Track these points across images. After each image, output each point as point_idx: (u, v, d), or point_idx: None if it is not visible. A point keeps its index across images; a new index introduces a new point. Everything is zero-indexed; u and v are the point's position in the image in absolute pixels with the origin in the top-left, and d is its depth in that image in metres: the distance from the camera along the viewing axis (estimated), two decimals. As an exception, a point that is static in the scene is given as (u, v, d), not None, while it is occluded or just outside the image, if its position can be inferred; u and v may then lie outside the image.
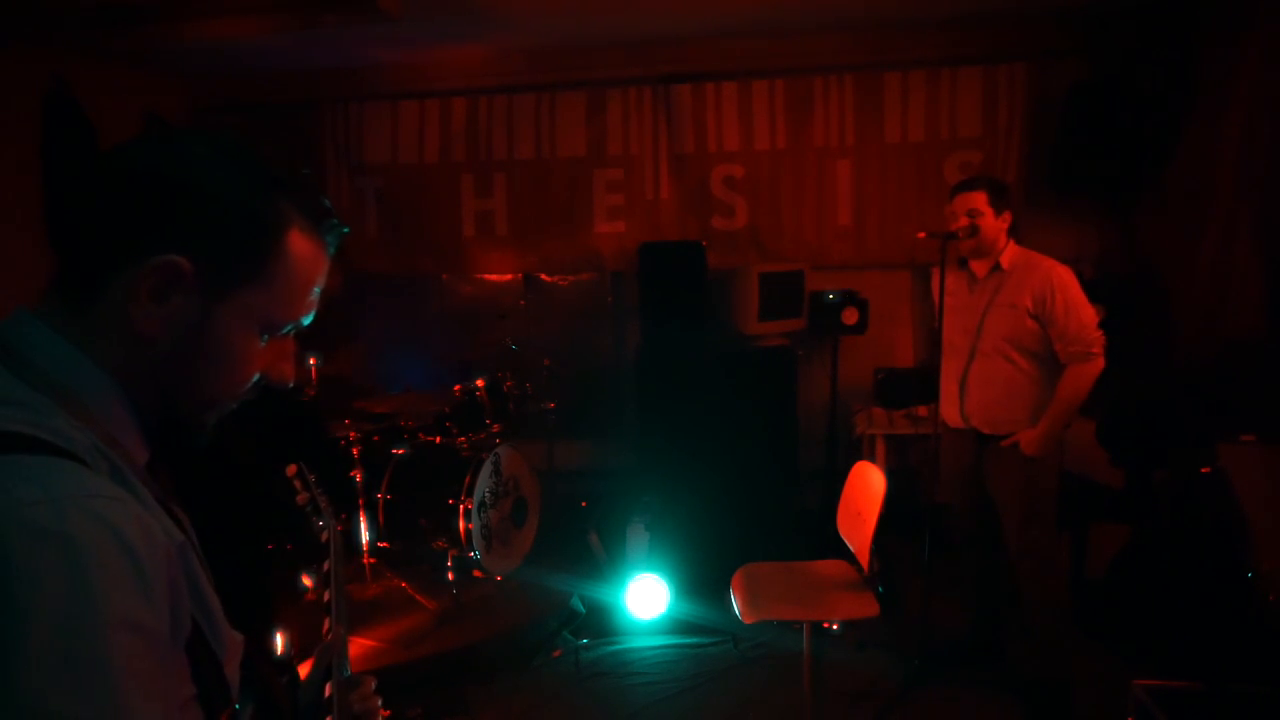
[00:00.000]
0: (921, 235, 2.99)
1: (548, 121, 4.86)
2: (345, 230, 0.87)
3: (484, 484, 3.72)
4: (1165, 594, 3.10)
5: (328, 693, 1.10)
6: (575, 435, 4.82)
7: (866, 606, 2.60)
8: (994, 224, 2.89)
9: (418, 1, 3.69)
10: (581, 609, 3.69)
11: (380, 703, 1.14)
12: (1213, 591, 2.91)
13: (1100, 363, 2.80)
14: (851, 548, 2.85)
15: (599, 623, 3.62)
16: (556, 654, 3.44)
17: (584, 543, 4.10)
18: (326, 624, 1.32)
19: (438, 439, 3.99)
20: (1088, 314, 2.81)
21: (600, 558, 4.03)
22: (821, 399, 4.54)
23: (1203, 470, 3.03)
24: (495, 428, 4.00)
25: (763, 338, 4.42)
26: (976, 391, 2.96)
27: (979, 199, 2.88)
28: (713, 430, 4.17)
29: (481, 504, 3.68)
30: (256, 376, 0.84)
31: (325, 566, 1.46)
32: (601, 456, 5.02)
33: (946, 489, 3.18)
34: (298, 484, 1.71)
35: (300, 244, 0.80)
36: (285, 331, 0.84)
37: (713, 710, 3.05)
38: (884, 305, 4.60)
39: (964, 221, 2.89)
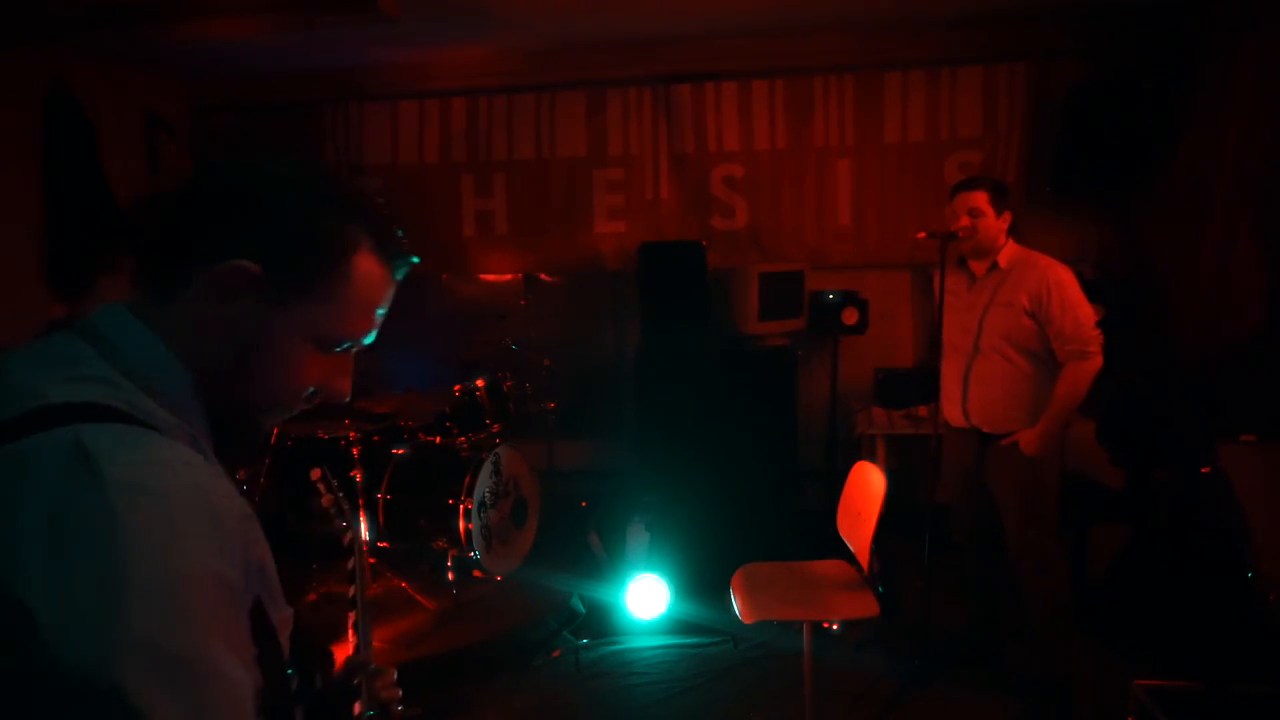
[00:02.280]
0: (921, 235, 2.99)
1: (548, 121, 4.87)
2: (415, 260, 0.93)
3: (484, 484, 3.72)
4: (1165, 594, 3.10)
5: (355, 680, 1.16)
6: (575, 435, 4.82)
7: (866, 606, 2.60)
8: (994, 224, 2.89)
9: (418, 1, 3.69)
10: (581, 609, 3.69)
11: (400, 694, 1.21)
12: (1213, 591, 2.91)
13: (1098, 361, 2.79)
14: (851, 548, 2.85)
15: (599, 623, 3.62)
16: (556, 654, 3.44)
17: (584, 543, 4.09)
18: (352, 618, 1.35)
19: (438, 439, 3.98)
20: (1085, 313, 2.80)
21: (600, 558, 4.02)
22: (821, 399, 4.54)
23: (1203, 470, 3.03)
24: (495, 428, 3.99)
25: (763, 338, 4.42)
26: (977, 390, 2.96)
27: (980, 199, 2.88)
28: (713, 430, 4.17)
29: (481, 504, 3.68)
30: (311, 389, 0.90)
31: (350, 565, 1.53)
32: (601, 456, 5.02)
33: (947, 488, 3.17)
34: (322, 487, 1.77)
35: (366, 266, 0.87)
36: (344, 348, 0.90)
37: (713, 710, 3.05)
38: (884, 305, 4.60)
39: (965, 221, 2.89)
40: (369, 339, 0.91)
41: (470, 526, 3.61)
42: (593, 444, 5.02)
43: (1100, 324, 2.85)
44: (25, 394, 0.72)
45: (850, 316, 4.33)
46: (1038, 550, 2.91)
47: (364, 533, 1.65)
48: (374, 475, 3.80)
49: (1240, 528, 2.78)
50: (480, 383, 3.99)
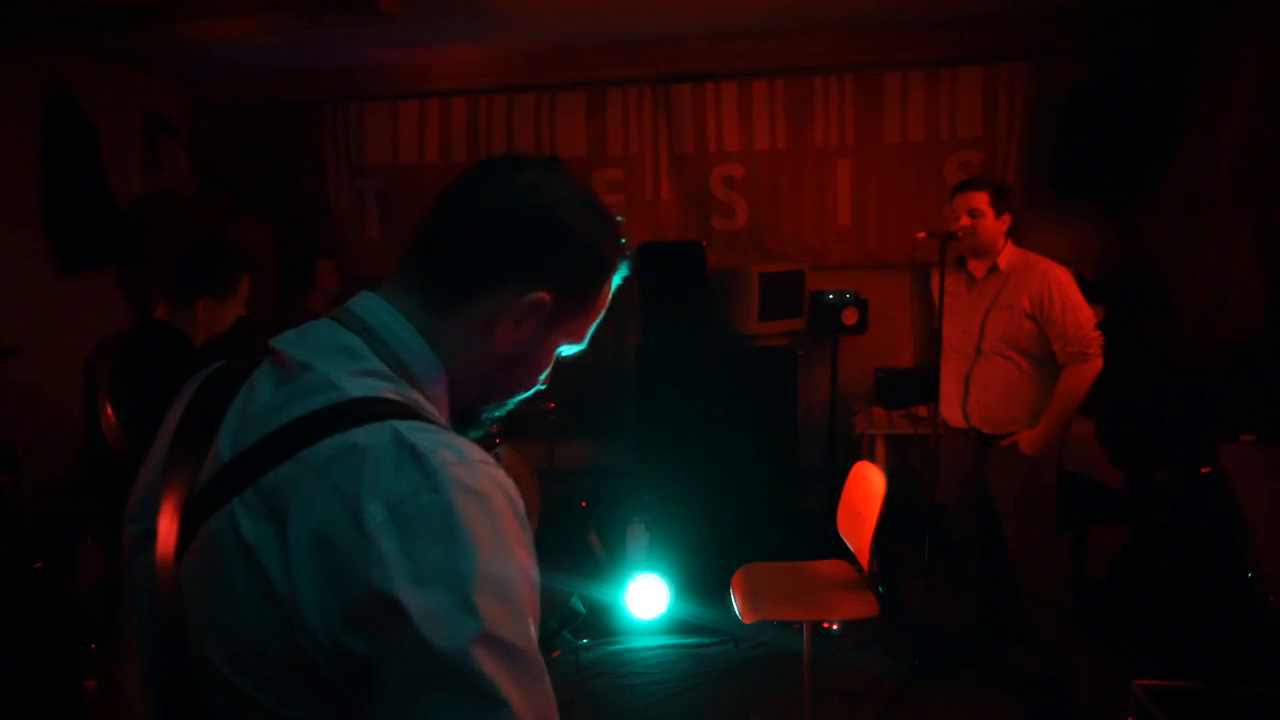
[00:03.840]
0: (921, 235, 2.99)
1: (548, 121, 4.86)
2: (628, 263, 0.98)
3: (484, 484, 3.72)
4: (1165, 594, 3.10)
5: None
6: (575, 435, 4.82)
7: (866, 606, 2.60)
8: (994, 225, 2.89)
9: (418, 1, 3.69)
10: (581, 609, 3.69)
11: None
12: (1213, 591, 2.90)
13: (1098, 363, 2.80)
14: (851, 548, 2.85)
15: (599, 623, 3.62)
16: (556, 654, 3.44)
17: (584, 543, 4.09)
18: None
19: (438, 439, 3.98)
20: (1085, 315, 2.81)
21: (600, 558, 4.02)
22: (821, 399, 4.54)
23: (1203, 470, 3.03)
24: (495, 428, 3.99)
25: (763, 338, 4.42)
26: (977, 392, 2.97)
27: (980, 199, 2.89)
28: (713, 430, 4.17)
29: (481, 504, 3.68)
30: None
31: None
32: (601, 456, 5.02)
33: (946, 489, 3.18)
34: None
35: (612, 281, 0.93)
36: (573, 351, 0.96)
37: (713, 710, 3.05)
38: (884, 305, 4.60)
39: (965, 221, 2.89)
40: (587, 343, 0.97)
41: (470, 526, 3.61)
42: (593, 444, 5.02)
43: (1100, 325, 2.86)
44: (325, 385, 0.75)
45: (850, 316, 4.33)
46: (1037, 550, 2.92)
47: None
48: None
49: (1240, 528, 2.78)
50: (480, 383, 3.99)
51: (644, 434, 4.45)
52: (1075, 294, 2.82)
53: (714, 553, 3.62)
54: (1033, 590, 2.94)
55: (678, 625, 3.57)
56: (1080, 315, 2.80)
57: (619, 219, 0.90)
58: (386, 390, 0.77)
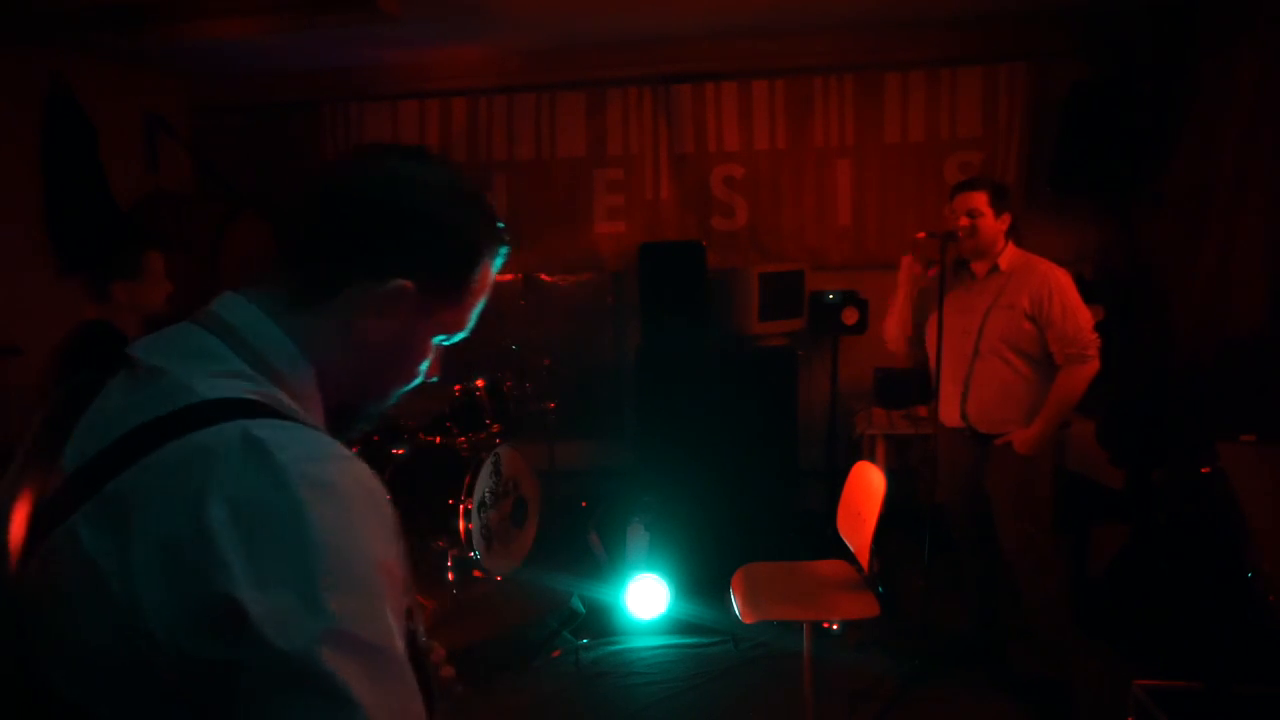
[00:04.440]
0: (921, 235, 2.99)
1: (548, 121, 4.86)
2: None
3: (484, 484, 3.72)
4: (1165, 594, 3.10)
5: None
6: (575, 435, 4.81)
7: (866, 606, 2.60)
8: (993, 225, 2.90)
9: (418, 1, 3.69)
10: (581, 609, 3.69)
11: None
12: (1212, 591, 2.90)
13: (1096, 365, 2.81)
14: (851, 548, 2.85)
15: (599, 623, 3.62)
16: (556, 654, 3.44)
17: (584, 543, 4.09)
18: None
19: (438, 439, 3.98)
20: (1084, 316, 2.83)
21: (600, 558, 4.02)
22: (821, 399, 4.54)
23: (1203, 470, 3.03)
24: (495, 428, 3.99)
25: (763, 338, 4.41)
26: (975, 392, 2.97)
27: (980, 199, 2.89)
28: (713, 430, 4.17)
29: (481, 504, 3.68)
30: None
31: None
32: (601, 456, 5.01)
33: (944, 489, 3.18)
34: None
35: (488, 267, 0.91)
36: (453, 341, 0.95)
37: (713, 710, 3.05)
38: (884, 305, 4.56)
39: (964, 221, 2.90)
40: (469, 330, 0.95)
41: (470, 526, 3.61)
42: (593, 444, 5.02)
43: (1100, 324, 2.87)
44: (177, 389, 0.73)
45: (850, 316, 4.33)
46: (1035, 550, 2.92)
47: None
48: (374, 475, 3.79)
49: (1240, 528, 2.77)
50: (480, 383, 3.99)
51: (644, 434, 4.45)
52: (1074, 296, 2.84)
53: (714, 553, 3.62)
54: (1030, 590, 2.94)
55: (678, 625, 3.56)
56: (1079, 317, 2.81)
57: (487, 201, 0.91)
58: (246, 391, 0.75)
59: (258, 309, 0.82)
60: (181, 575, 0.64)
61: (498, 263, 0.93)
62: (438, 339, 0.92)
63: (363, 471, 0.74)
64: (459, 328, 0.93)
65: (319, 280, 0.83)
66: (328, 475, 0.69)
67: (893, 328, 3.20)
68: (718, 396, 4.22)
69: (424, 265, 0.84)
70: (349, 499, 0.70)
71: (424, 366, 0.93)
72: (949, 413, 3.05)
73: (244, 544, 0.64)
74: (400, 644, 0.70)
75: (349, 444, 0.84)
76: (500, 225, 0.92)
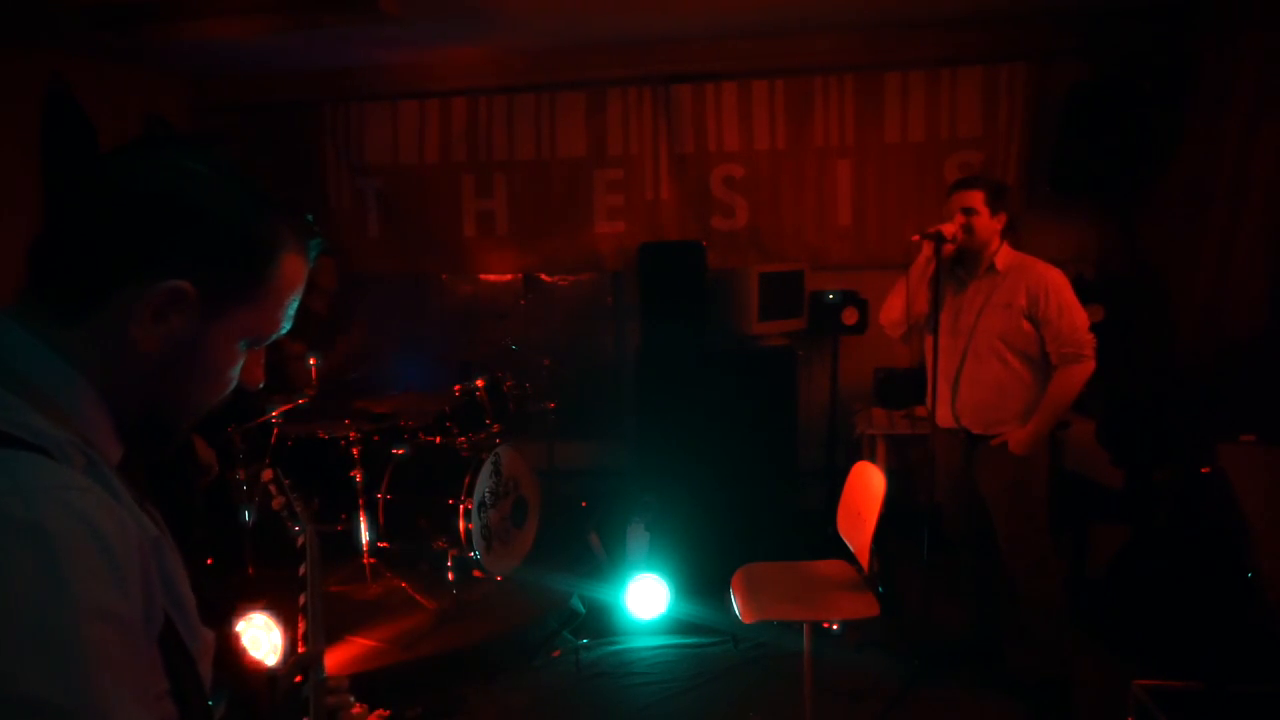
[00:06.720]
0: (915, 238, 2.98)
1: (548, 121, 4.86)
2: (323, 244, 0.90)
3: (484, 484, 3.72)
4: (1165, 594, 3.10)
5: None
6: (575, 435, 4.82)
7: (866, 606, 2.60)
8: (988, 224, 2.89)
9: (418, 1, 3.69)
10: (581, 609, 3.69)
11: (352, 699, 1.15)
12: (1212, 591, 2.91)
13: (1091, 365, 2.82)
14: (851, 548, 2.85)
15: (599, 623, 3.62)
16: (556, 654, 3.44)
17: (584, 543, 4.09)
18: (302, 626, 1.31)
19: (438, 439, 3.98)
20: (1080, 316, 2.83)
21: (600, 558, 4.02)
22: (821, 399, 4.54)
23: (1203, 470, 3.03)
24: (495, 428, 3.99)
25: (763, 338, 4.42)
26: (968, 392, 2.97)
27: (976, 197, 2.89)
28: (713, 430, 4.17)
29: (481, 504, 3.68)
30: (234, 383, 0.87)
31: (301, 571, 1.46)
32: (601, 456, 5.02)
33: (939, 489, 3.18)
34: (273, 489, 1.72)
35: (290, 263, 0.84)
36: (266, 342, 0.87)
37: (713, 710, 3.05)
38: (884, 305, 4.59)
39: (959, 219, 2.89)
40: (286, 328, 0.88)
41: (470, 526, 3.61)
42: (593, 444, 5.02)
43: (1100, 325, 2.87)
44: None
45: (850, 316, 4.33)
46: (1031, 549, 2.92)
47: (315, 535, 1.57)
48: (374, 475, 3.80)
49: (1240, 528, 2.78)
50: (480, 383, 3.99)
51: (644, 434, 4.45)
52: (1070, 296, 2.84)
53: (714, 553, 3.61)
54: (1027, 590, 2.94)
55: (678, 625, 3.57)
56: (1075, 317, 2.81)
57: (278, 194, 0.84)
58: None
59: (16, 325, 0.74)
60: None
61: (311, 256, 0.86)
62: (244, 343, 0.83)
63: (89, 507, 0.66)
64: (269, 328, 0.85)
65: (83, 288, 0.75)
66: (34, 513, 0.62)
67: (897, 308, 3.09)
68: (718, 396, 4.22)
69: (202, 264, 0.76)
70: (50, 535, 0.62)
71: (235, 372, 0.85)
72: (941, 413, 3.05)
73: None
74: (123, 702, 0.63)
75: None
76: (305, 217, 0.85)
